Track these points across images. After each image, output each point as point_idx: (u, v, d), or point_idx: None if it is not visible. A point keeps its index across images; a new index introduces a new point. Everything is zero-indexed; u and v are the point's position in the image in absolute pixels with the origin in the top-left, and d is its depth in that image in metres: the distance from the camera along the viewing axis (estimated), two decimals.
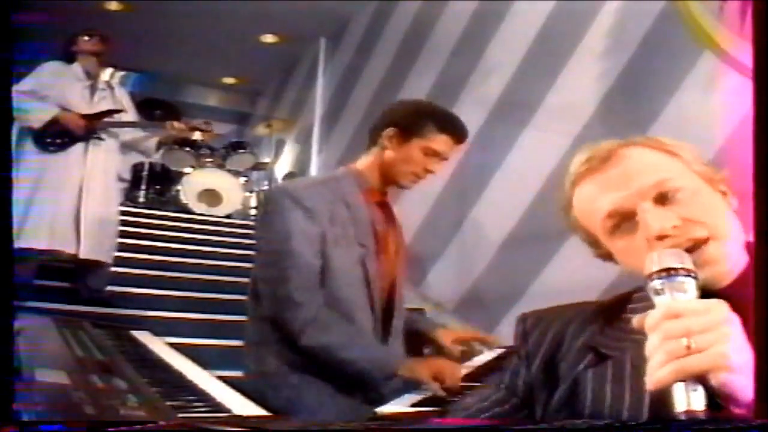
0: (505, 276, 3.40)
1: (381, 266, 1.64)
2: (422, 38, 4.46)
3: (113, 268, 3.26)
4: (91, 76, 3.20)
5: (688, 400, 0.60)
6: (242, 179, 5.85)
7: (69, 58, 3.20)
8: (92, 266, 3.10)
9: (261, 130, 6.30)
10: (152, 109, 4.93)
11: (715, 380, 0.59)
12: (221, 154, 5.95)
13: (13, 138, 2.85)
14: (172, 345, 1.87)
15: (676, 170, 0.79)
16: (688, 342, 0.60)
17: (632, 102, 2.89)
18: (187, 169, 5.65)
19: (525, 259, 3.28)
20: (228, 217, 5.49)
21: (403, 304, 1.75)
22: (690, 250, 0.71)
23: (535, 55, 3.48)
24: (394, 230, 1.74)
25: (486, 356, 1.87)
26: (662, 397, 0.64)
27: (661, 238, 0.73)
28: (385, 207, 1.72)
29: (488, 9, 3.86)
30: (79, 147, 3.06)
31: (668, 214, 0.74)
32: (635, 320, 0.66)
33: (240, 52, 6.31)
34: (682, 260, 0.67)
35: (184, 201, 5.42)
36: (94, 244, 3.03)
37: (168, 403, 1.18)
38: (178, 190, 5.48)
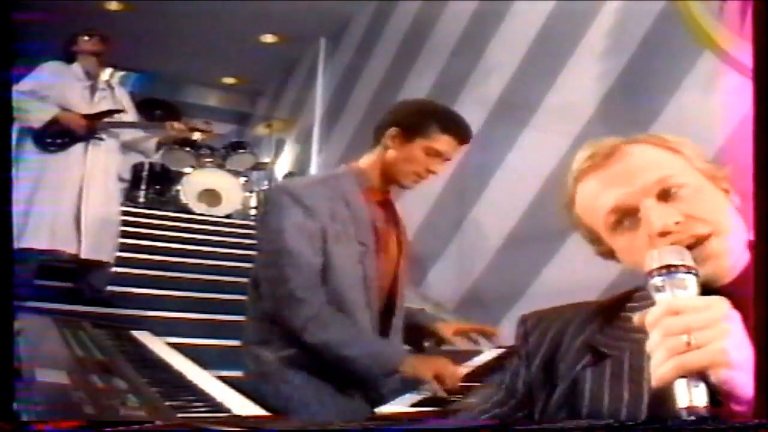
0: (505, 276, 3.40)
1: (381, 265, 1.63)
2: (422, 38, 4.46)
3: (114, 268, 3.26)
4: (91, 76, 3.20)
5: (690, 397, 0.60)
6: (242, 179, 5.85)
7: (69, 58, 3.19)
8: (94, 266, 3.10)
9: (261, 130, 6.30)
10: (152, 109, 4.92)
11: (714, 376, 0.59)
12: (221, 154, 5.95)
13: (13, 138, 2.85)
14: (172, 345, 1.87)
15: (678, 167, 0.79)
16: (688, 338, 0.60)
17: (632, 102, 2.90)
18: (187, 169, 5.65)
19: (525, 259, 3.28)
20: (228, 217, 5.49)
21: (404, 303, 1.74)
22: (692, 247, 0.71)
23: (535, 55, 3.48)
24: (397, 229, 1.73)
25: (486, 356, 1.88)
26: (662, 396, 0.64)
27: (663, 234, 0.73)
28: (386, 206, 1.72)
29: (488, 9, 3.86)
30: (79, 147, 3.06)
31: (671, 210, 0.74)
32: (636, 317, 0.67)
33: (240, 52, 6.31)
34: (682, 257, 0.67)
35: (184, 201, 5.42)
36: (96, 244, 3.03)
37: (168, 403, 1.18)
38: (178, 190, 5.48)
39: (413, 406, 1.50)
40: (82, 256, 2.99)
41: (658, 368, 0.61)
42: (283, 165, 6.59)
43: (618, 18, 3.04)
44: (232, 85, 7.44)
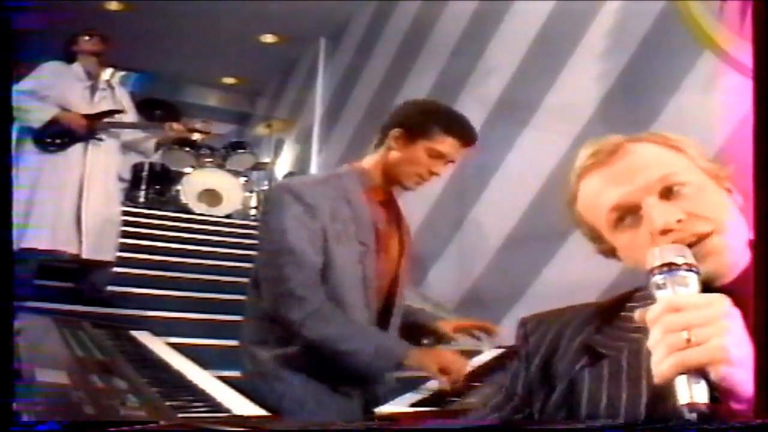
0: (505, 276, 3.40)
1: (381, 265, 1.63)
2: (422, 38, 4.46)
3: (114, 268, 3.26)
4: (92, 76, 3.20)
5: (691, 393, 0.60)
6: (242, 179, 5.85)
7: (69, 57, 3.19)
8: (95, 266, 3.10)
9: (261, 130, 6.30)
10: (152, 109, 4.92)
11: (714, 373, 0.59)
12: (221, 154, 5.95)
13: (13, 138, 2.85)
14: (172, 345, 1.87)
15: (681, 166, 0.79)
16: (688, 335, 0.60)
17: (632, 102, 2.90)
18: (187, 169, 5.65)
19: (525, 259, 3.28)
20: (228, 217, 5.49)
21: (403, 302, 1.74)
22: (693, 245, 0.71)
23: (535, 55, 3.48)
24: (399, 229, 1.73)
25: (486, 356, 1.88)
26: (661, 393, 0.64)
27: (664, 232, 0.73)
28: (389, 206, 1.72)
29: (488, 9, 3.86)
30: (78, 147, 3.06)
31: (673, 208, 0.74)
32: (637, 314, 0.67)
33: (240, 52, 6.31)
34: (684, 255, 0.68)
35: (184, 201, 5.42)
36: (97, 244, 3.03)
37: (168, 403, 1.18)
38: (178, 190, 5.48)
39: (413, 406, 1.50)
40: (84, 256, 3.00)
41: (659, 365, 0.62)
42: (283, 165, 6.59)
43: (618, 18, 3.04)
44: (232, 85, 7.44)
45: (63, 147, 3.02)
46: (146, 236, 4.34)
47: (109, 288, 3.21)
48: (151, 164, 5.51)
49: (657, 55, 2.81)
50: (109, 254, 3.13)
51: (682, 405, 0.60)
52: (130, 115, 3.35)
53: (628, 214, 0.77)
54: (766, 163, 0.78)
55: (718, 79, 2.47)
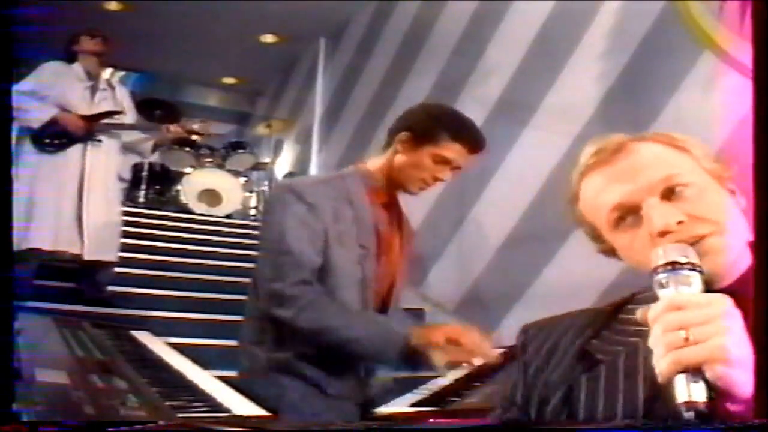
0: (505, 276, 3.40)
1: (380, 268, 1.63)
2: (422, 38, 4.46)
3: (114, 268, 3.26)
4: (92, 77, 3.20)
5: (689, 392, 0.60)
6: (242, 179, 5.85)
7: (70, 57, 3.19)
8: (96, 266, 3.11)
9: (261, 130, 6.30)
10: (152, 109, 4.92)
11: (711, 373, 0.59)
12: (221, 154, 5.95)
13: (13, 138, 2.85)
14: (172, 345, 1.87)
15: (685, 166, 0.78)
16: (686, 334, 0.60)
17: (632, 102, 2.90)
18: (187, 169, 5.65)
19: (525, 259, 3.28)
20: (228, 217, 5.49)
21: (399, 305, 1.74)
22: (691, 245, 0.71)
23: (535, 55, 3.48)
24: (401, 232, 1.73)
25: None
26: (658, 396, 0.63)
27: (663, 234, 0.73)
28: (392, 208, 1.71)
29: (488, 9, 3.86)
30: (78, 148, 3.06)
31: (673, 210, 0.74)
32: (639, 313, 0.67)
33: (240, 52, 6.32)
34: (687, 254, 0.68)
35: (184, 201, 5.42)
36: (98, 245, 3.04)
37: (168, 403, 1.18)
38: (178, 190, 5.48)
39: (413, 406, 1.50)
40: (85, 257, 3.00)
41: (658, 363, 0.62)
42: (283, 165, 6.59)
43: (618, 18, 3.04)
44: (232, 85, 7.44)
45: (61, 147, 3.02)
46: (146, 236, 4.34)
47: (110, 288, 3.21)
48: (151, 164, 5.51)
49: (657, 55, 2.81)
50: (109, 254, 3.13)
51: (680, 403, 0.60)
52: (130, 116, 3.35)
53: (628, 214, 0.77)
54: (766, 163, 0.77)
55: (718, 79, 2.47)
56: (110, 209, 3.16)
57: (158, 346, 1.78)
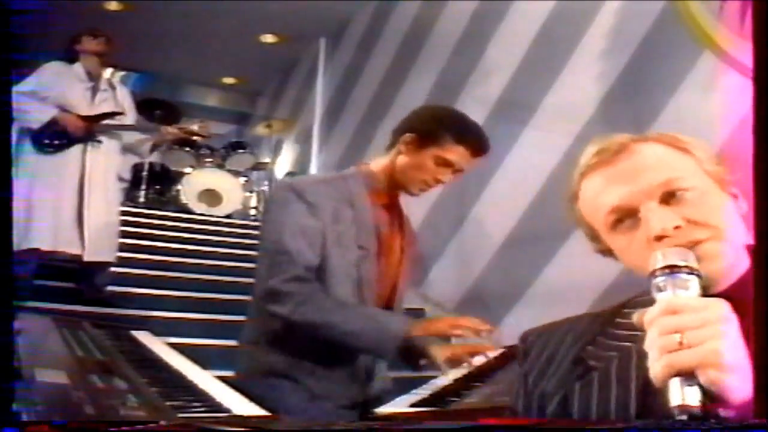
0: (506, 276, 3.40)
1: (380, 269, 1.63)
2: (422, 38, 4.46)
3: (114, 269, 3.26)
4: (93, 77, 3.20)
5: (683, 396, 0.60)
6: (242, 179, 5.85)
7: (71, 57, 3.19)
8: (95, 266, 3.11)
9: (261, 130, 6.30)
10: (152, 109, 4.92)
11: (704, 377, 0.59)
12: (221, 154, 5.95)
13: (13, 139, 2.85)
14: (172, 345, 1.86)
15: (687, 169, 0.78)
16: (681, 338, 0.60)
17: (632, 102, 2.90)
18: (187, 169, 5.65)
19: (525, 258, 3.28)
20: (228, 217, 5.49)
21: (402, 306, 1.74)
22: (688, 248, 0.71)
23: (535, 55, 3.48)
24: (402, 233, 1.73)
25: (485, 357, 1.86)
26: (650, 403, 0.63)
27: (660, 238, 0.72)
28: (393, 209, 1.71)
29: (488, 9, 3.86)
30: (77, 148, 3.06)
31: (671, 214, 0.73)
32: (636, 316, 0.67)
33: (240, 52, 6.32)
34: (686, 258, 0.68)
35: (184, 201, 5.42)
36: (98, 246, 3.04)
37: (168, 403, 1.18)
38: (178, 190, 5.49)
39: (413, 406, 1.49)
40: (86, 258, 3.00)
41: (653, 366, 0.62)
42: (283, 165, 6.59)
43: (618, 18, 3.04)
44: (232, 85, 7.44)
45: (61, 148, 3.02)
46: (146, 236, 4.34)
47: (109, 288, 3.21)
48: (151, 164, 5.51)
49: (657, 55, 2.81)
50: (109, 255, 3.13)
51: (674, 407, 0.60)
52: (131, 116, 3.35)
53: (626, 216, 0.77)
54: (766, 163, 0.77)
55: (718, 79, 2.47)
56: (110, 210, 3.17)
57: (158, 346, 1.78)
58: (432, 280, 3.90)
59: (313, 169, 5.84)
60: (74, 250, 2.98)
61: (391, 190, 1.68)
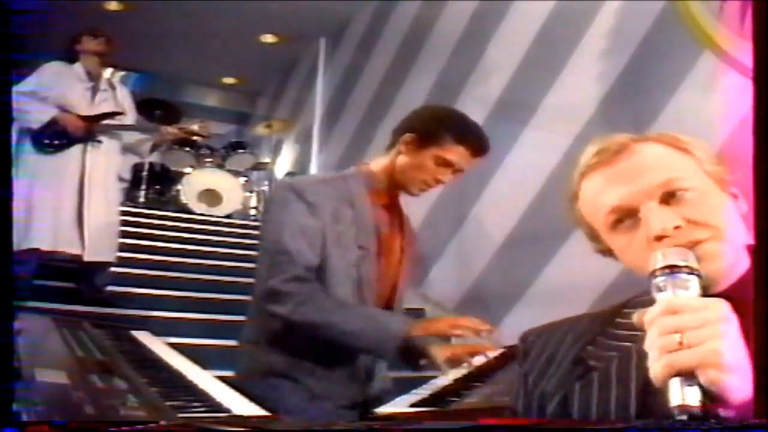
0: (506, 275, 3.40)
1: (380, 269, 1.63)
2: (422, 38, 4.46)
3: (114, 268, 3.26)
4: (93, 77, 3.20)
5: (683, 396, 0.60)
6: (242, 179, 5.85)
7: (71, 57, 3.19)
8: (95, 266, 3.11)
9: (261, 130, 6.30)
10: (152, 109, 4.92)
11: (704, 377, 0.59)
12: (221, 154, 5.95)
13: (13, 139, 2.85)
14: (172, 345, 1.86)
15: (687, 169, 0.78)
16: (680, 337, 0.60)
17: (632, 102, 2.90)
18: (187, 169, 5.65)
19: (525, 258, 3.28)
20: (228, 217, 5.49)
21: (402, 306, 1.74)
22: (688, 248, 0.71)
23: (535, 55, 3.48)
24: (402, 234, 1.73)
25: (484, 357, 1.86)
26: (650, 402, 0.63)
27: (660, 238, 0.72)
28: (393, 210, 1.71)
29: (488, 9, 3.86)
30: (77, 148, 3.06)
31: (671, 215, 0.73)
32: (636, 316, 0.67)
33: (240, 52, 6.32)
34: (686, 258, 0.68)
35: (184, 201, 5.42)
36: (98, 246, 3.04)
37: (168, 403, 1.18)
38: (178, 190, 5.49)
39: (413, 406, 1.49)
40: (86, 258, 3.00)
41: (653, 366, 0.62)
42: (283, 165, 6.59)
43: (618, 18, 3.04)
44: (232, 85, 7.44)
45: (61, 148, 3.02)
46: (146, 236, 4.34)
47: (109, 288, 3.21)
48: (151, 164, 5.51)
49: (657, 55, 2.81)
50: (109, 255, 3.13)
51: (674, 407, 0.60)
52: (131, 116, 3.35)
53: (626, 216, 0.77)
54: (766, 163, 0.77)
55: (718, 79, 2.47)
56: (110, 210, 3.17)
57: (158, 346, 1.78)
58: (432, 280, 3.90)
59: (313, 169, 5.85)
60: (74, 250, 2.98)
61: (391, 190, 1.68)
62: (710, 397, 0.59)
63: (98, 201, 3.07)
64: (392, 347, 1.46)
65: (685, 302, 0.63)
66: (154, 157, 5.36)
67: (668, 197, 0.75)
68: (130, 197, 5.37)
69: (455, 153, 1.59)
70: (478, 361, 1.63)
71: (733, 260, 0.74)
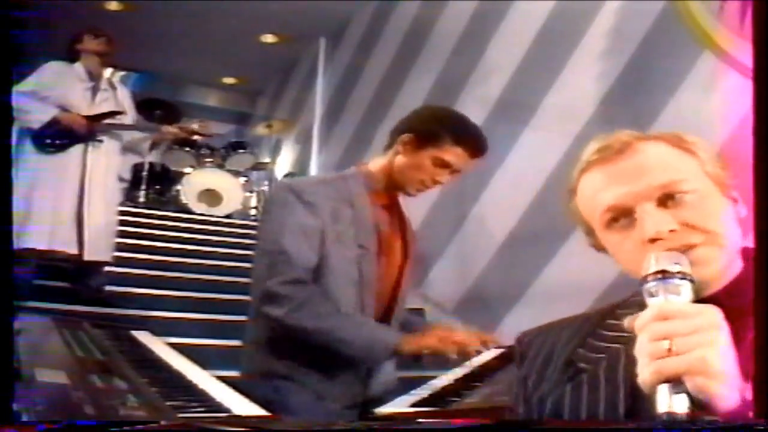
0: (506, 275, 3.40)
1: (381, 269, 1.63)
2: (422, 38, 4.46)
3: (114, 268, 3.26)
4: (93, 77, 3.20)
5: (670, 402, 0.59)
6: (242, 179, 5.85)
7: (72, 56, 3.19)
8: (93, 266, 3.11)
9: (261, 130, 6.30)
10: (152, 109, 4.92)
11: (691, 384, 0.59)
12: (221, 154, 5.95)
13: (13, 138, 2.85)
14: (172, 345, 1.86)
15: (689, 171, 0.77)
16: (669, 344, 0.60)
17: (632, 102, 2.90)
18: (187, 169, 5.65)
19: (525, 258, 3.28)
20: (228, 217, 5.49)
21: (404, 306, 1.74)
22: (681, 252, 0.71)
23: (535, 55, 3.48)
24: (402, 234, 1.73)
25: (486, 356, 1.87)
26: (638, 407, 0.63)
27: (653, 241, 0.72)
28: (393, 210, 1.71)
29: (488, 9, 3.86)
30: (78, 148, 3.06)
31: (667, 218, 0.73)
32: (627, 321, 0.66)
33: (240, 52, 6.32)
34: (679, 263, 0.67)
35: (184, 201, 5.42)
36: (97, 246, 3.04)
37: (168, 403, 1.18)
38: (178, 190, 5.49)
39: (413, 406, 1.50)
40: (86, 258, 3.00)
41: (641, 372, 0.61)
42: (283, 165, 6.59)
43: (618, 18, 3.04)
44: (232, 85, 7.44)
45: (62, 148, 3.02)
46: (146, 236, 4.34)
47: (109, 288, 3.21)
48: (151, 164, 5.51)
49: (657, 55, 2.81)
50: (107, 255, 3.13)
51: (660, 413, 0.60)
52: (131, 116, 3.35)
53: (622, 216, 0.76)
54: (766, 163, 0.77)
55: (718, 79, 2.47)
56: (109, 210, 3.17)
57: (158, 346, 1.78)
58: (432, 280, 3.90)
59: (313, 168, 5.85)
60: (72, 249, 2.98)
61: (389, 191, 1.68)
62: (697, 404, 0.59)
63: (98, 201, 3.07)
64: (382, 358, 1.51)
65: (677, 308, 0.63)
66: (154, 157, 5.37)
67: (666, 199, 0.74)
68: (130, 197, 5.36)
69: (453, 154, 1.60)
70: (479, 360, 1.63)
71: (725, 264, 0.74)
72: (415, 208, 1.89)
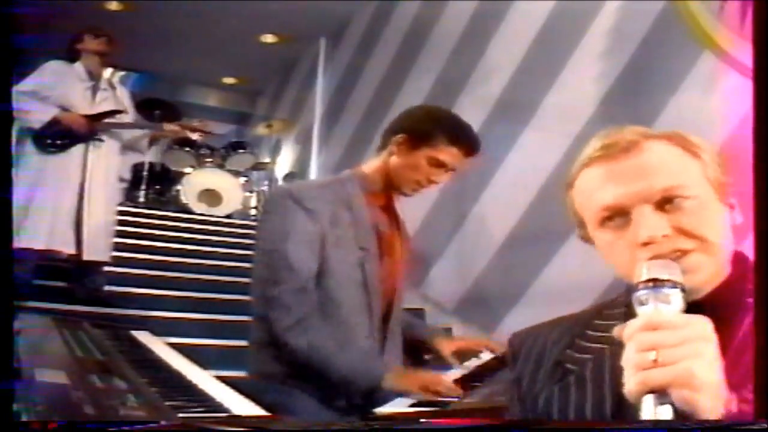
0: (506, 275, 3.40)
1: (383, 269, 1.63)
2: (422, 38, 4.46)
3: (114, 268, 3.26)
4: (93, 77, 3.20)
5: (654, 413, 0.59)
6: (242, 179, 5.85)
7: (73, 56, 3.19)
8: (91, 266, 3.11)
9: (261, 130, 6.30)
10: (152, 109, 4.92)
11: (677, 396, 0.59)
12: (221, 154, 5.95)
13: (13, 138, 2.85)
14: (172, 345, 1.87)
15: (691, 176, 0.76)
16: (656, 355, 0.60)
17: (632, 102, 2.89)
18: (187, 169, 5.65)
19: (525, 258, 3.28)
20: (228, 217, 5.49)
21: (402, 306, 1.74)
22: (672, 260, 0.70)
23: (535, 55, 3.48)
24: (399, 234, 1.73)
25: (485, 356, 1.87)
26: (623, 411, 0.63)
27: (645, 244, 0.72)
28: (389, 210, 1.72)
29: (488, 9, 3.86)
30: (79, 148, 3.06)
31: (662, 222, 0.72)
32: (615, 330, 0.66)
33: (240, 52, 6.32)
34: (670, 271, 0.67)
35: (184, 201, 5.42)
36: (97, 246, 3.04)
37: (168, 403, 1.18)
38: (178, 190, 5.49)
39: (413, 406, 1.50)
40: (85, 257, 3.00)
41: (627, 381, 0.61)
42: (283, 165, 6.59)
43: (618, 18, 3.04)
44: (232, 85, 7.44)
45: (63, 148, 3.02)
46: (146, 236, 4.34)
47: (109, 288, 3.21)
48: (151, 164, 5.52)
49: (657, 55, 2.81)
50: (105, 255, 3.13)
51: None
52: (131, 116, 3.35)
53: (617, 215, 0.76)
54: (766, 163, 0.77)
55: (718, 79, 2.47)
56: (109, 210, 3.17)
57: (158, 346, 1.78)
58: (432, 280, 3.90)
59: (313, 169, 5.85)
60: (69, 249, 2.98)
61: (385, 191, 1.69)
62: (682, 416, 0.59)
63: (98, 201, 3.07)
64: (364, 389, 1.50)
65: (665, 319, 0.63)
66: (155, 157, 5.37)
67: (665, 203, 0.74)
68: (130, 197, 5.36)
69: (448, 153, 1.60)
70: (478, 361, 1.64)
71: (715, 272, 0.74)
72: (415, 208, 1.90)
